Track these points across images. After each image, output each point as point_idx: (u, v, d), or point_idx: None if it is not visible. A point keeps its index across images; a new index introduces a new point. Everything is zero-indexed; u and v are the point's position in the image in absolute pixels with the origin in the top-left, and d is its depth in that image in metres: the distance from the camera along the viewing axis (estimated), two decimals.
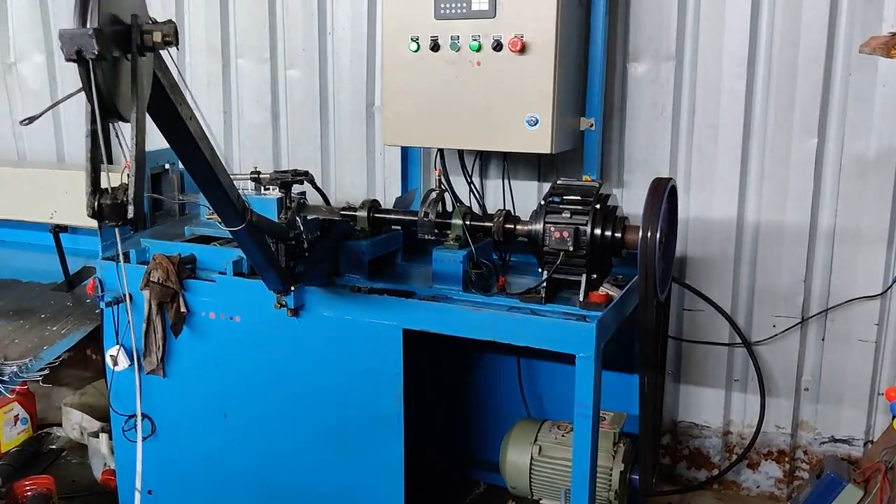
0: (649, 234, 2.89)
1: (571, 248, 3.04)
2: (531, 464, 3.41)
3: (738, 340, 3.96)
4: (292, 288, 3.04)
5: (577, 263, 3.09)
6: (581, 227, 3.04)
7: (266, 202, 3.57)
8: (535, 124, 3.41)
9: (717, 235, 3.90)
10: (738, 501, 4.08)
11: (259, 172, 3.74)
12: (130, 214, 1.74)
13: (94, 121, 1.69)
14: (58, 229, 4.14)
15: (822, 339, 3.88)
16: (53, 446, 4.56)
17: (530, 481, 3.42)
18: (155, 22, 1.83)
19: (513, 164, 4.05)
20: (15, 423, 4.46)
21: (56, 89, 5.28)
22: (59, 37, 1.65)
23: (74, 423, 4.56)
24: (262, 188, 3.75)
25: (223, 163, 2.36)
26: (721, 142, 3.82)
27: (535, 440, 3.44)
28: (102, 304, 3.50)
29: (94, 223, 3.92)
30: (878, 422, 3.89)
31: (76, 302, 4.08)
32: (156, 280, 3.28)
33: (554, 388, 4.03)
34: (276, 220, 3.23)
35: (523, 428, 3.51)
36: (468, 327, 2.98)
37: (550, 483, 3.39)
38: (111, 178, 1.82)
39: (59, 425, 4.72)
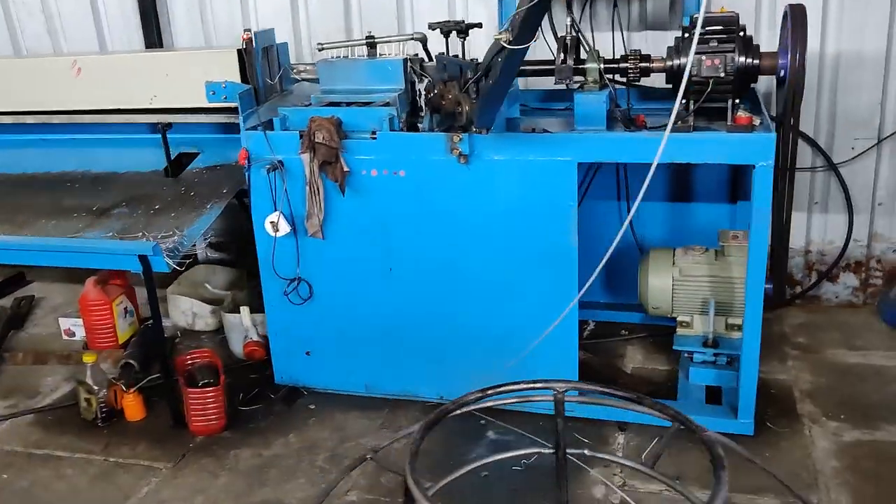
0: (798, 55, 3.17)
1: (723, 75, 3.27)
2: (673, 285, 3.72)
3: (819, 165, 4.32)
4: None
5: (721, 91, 3.32)
6: (729, 54, 3.27)
7: (391, 63, 3.67)
8: None
9: None
10: (822, 312, 4.53)
11: (374, 37, 3.81)
12: None
13: None
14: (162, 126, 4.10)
15: None
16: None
17: (672, 301, 3.74)
18: None
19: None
20: (125, 316, 4.50)
21: None
22: None
23: (184, 309, 4.63)
24: (378, 54, 3.83)
25: None
26: None
27: (674, 264, 3.74)
28: (250, 173, 3.57)
29: (199, 104, 3.91)
30: None
31: (189, 187, 4.08)
32: (320, 140, 3.35)
33: (657, 225, 4.35)
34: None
35: (658, 255, 3.80)
36: (650, 153, 3.18)
37: (691, 300, 3.73)
38: None
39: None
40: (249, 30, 3.79)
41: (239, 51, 3.89)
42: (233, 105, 3.87)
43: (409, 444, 1.74)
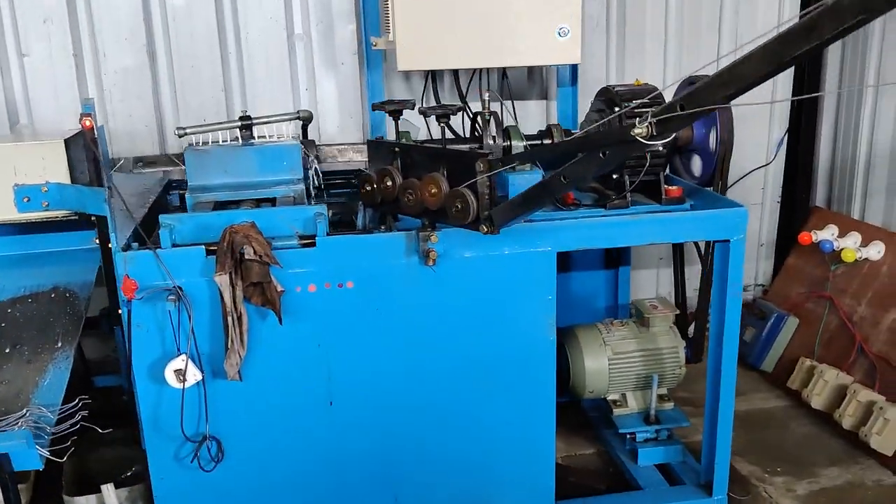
0: (727, 126, 3.24)
1: (661, 149, 3.19)
2: (609, 365, 3.53)
3: None
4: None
5: (655, 164, 3.25)
6: None
7: (287, 149, 3.06)
8: (566, 35, 3.41)
9: None
10: None
11: (250, 117, 3.16)
12: None
13: None
14: None
15: None
16: None
17: (609, 381, 3.55)
18: None
19: None
20: None
21: None
22: None
23: None
24: (255, 136, 3.19)
25: None
26: None
27: (605, 342, 3.56)
28: (131, 307, 2.63)
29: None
30: (762, 268, 4.82)
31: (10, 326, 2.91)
32: (251, 256, 2.57)
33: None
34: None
35: (586, 335, 3.58)
36: (630, 236, 2.99)
37: (626, 377, 3.56)
38: None
39: None
40: (89, 113, 2.81)
41: (67, 141, 2.90)
42: (58, 214, 2.93)
43: None
